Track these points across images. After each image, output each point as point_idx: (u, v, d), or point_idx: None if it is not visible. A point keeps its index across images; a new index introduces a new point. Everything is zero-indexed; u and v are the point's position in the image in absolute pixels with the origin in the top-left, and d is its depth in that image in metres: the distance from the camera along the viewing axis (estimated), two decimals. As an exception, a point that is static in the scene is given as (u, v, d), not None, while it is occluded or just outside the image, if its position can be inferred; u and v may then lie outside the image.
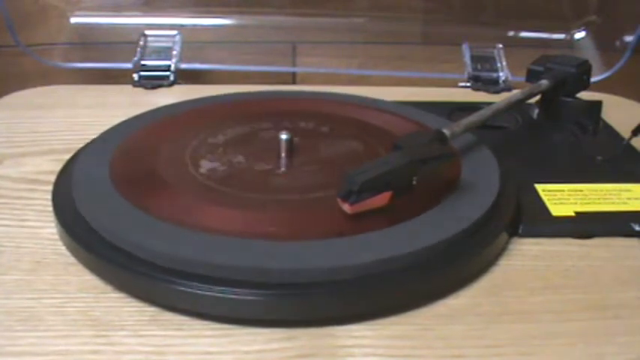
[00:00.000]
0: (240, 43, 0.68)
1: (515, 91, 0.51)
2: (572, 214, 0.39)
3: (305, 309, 0.31)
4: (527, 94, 0.48)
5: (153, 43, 0.62)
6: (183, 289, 0.31)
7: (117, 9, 0.66)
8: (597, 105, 0.50)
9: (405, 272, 0.32)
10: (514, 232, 0.38)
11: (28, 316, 0.31)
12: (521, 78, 0.54)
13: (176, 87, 0.60)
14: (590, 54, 0.65)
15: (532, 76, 0.51)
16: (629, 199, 0.41)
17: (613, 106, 0.54)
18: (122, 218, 0.35)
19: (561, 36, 0.68)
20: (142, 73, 0.60)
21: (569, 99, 0.51)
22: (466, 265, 0.34)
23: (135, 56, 0.61)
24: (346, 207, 0.34)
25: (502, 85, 0.61)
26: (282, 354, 0.29)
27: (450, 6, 0.69)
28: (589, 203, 0.40)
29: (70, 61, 0.64)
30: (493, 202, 0.37)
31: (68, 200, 0.37)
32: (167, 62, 0.61)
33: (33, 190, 0.42)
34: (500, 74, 0.62)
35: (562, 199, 0.41)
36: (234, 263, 0.31)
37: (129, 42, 0.62)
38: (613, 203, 0.40)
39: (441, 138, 0.40)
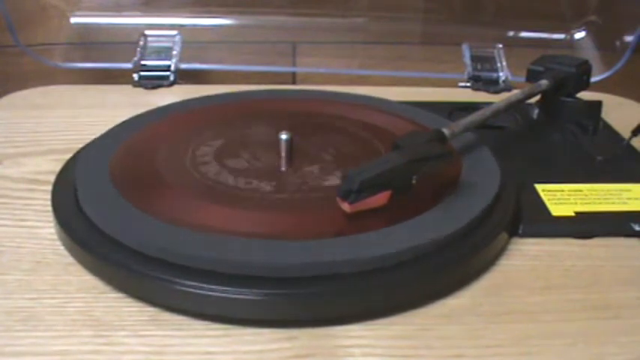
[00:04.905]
0: (240, 43, 0.68)
1: (515, 91, 0.51)
2: (572, 214, 0.39)
3: (305, 309, 0.31)
4: (527, 94, 0.48)
5: (153, 43, 0.62)
6: (183, 288, 0.31)
7: (117, 9, 0.66)
8: (597, 105, 0.50)
9: (405, 272, 0.32)
10: (514, 232, 0.38)
11: (28, 316, 0.31)
12: (521, 78, 0.54)
13: (176, 87, 0.60)
14: (590, 54, 0.65)
15: (532, 76, 0.51)
16: (629, 199, 0.41)
17: (613, 106, 0.54)
18: (122, 218, 0.34)
19: (561, 36, 0.68)
20: (142, 73, 0.60)
21: (569, 99, 0.51)
22: (466, 265, 0.34)
23: (135, 56, 0.61)
24: (345, 206, 0.34)
25: (502, 85, 0.61)
26: (282, 354, 0.29)
27: (450, 6, 0.69)
28: (589, 203, 0.40)
29: (70, 61, 0.64)
30: (493, 202, 0.37)
31: (68, 200, 0.37)
32: (167, 62, 0.61)
33: (33, 190, 0.42)
34: (500, 74, 0.62)
35: (562, 199, 0.41)
36: (234, 263, 0.31)
37: (129, 42, 0.62)
38: (613, 203, 0.40)
39: (440, 138, 0.40)
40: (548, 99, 0.51)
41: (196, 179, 0.39)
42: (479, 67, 0.62)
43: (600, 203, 0.40)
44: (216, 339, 0.30)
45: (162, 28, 0.64)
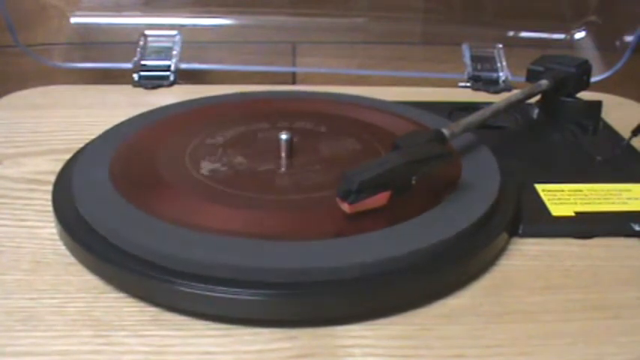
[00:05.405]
0: (240, 43, 0.68)
1: (515, 91, 0.51)
2: (572, 214, 0.39)
3: (305, 309, 0.31)
4: (527, 94, 0.48)
5: (153, 43, 0.62)
6: (183, 289, 0.31)
7: (117, 9, 0.66)
8: (597, 105, 0.50)
9: (405, 272, 0.32)
10: (514, 232, 0.38)
11: (28, 316, 0.31)
12: (521, 78, 0.54)
13: (176, 87, 0.60)
14: (590, 54, 0.65)
15: (532, 76, 0.51)
16: (629, 199, 0.41)
17: (613, 106, 0.54)
18: (122, 218, 0.34)
19: (561, 36, 0.68)
20: (142, 73, 0.60)
21: (569, 99, 0.51)
22: (466, 265, 0.34)
23: (135, 56, 0.61)
24: (345, 207, 0.34)
25: (502, 85, 0.61)
26: (282, 354, 0.29)
27: (450, 6, 0.69)
28: (589, 203, 0.40)
29: (70, 61, 0.64)
30: (493, 202, 0.37)
31: (68, 200, 0.37)
32: (167, 62, 0.61)
33: (33, 190, 0.42)
34: (500, 74, 0.62)
35: (562, 199, 0.41)
36: (234, 263, 0.31)
37: (129, 42, 0.62)
38: (613, 203, 0.40)
39: (440, 138, 0.40)
40: (548, 99, 0.51)
41: (196, 180, 0.39)
42: (479, 67, 0.62)
43: (600, 203, 0.40)
44: (216, 339, 0.30)
45: (162, 28, 0.64)
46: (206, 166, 0.41)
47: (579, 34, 0.67)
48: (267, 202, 0.37)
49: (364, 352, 0.29)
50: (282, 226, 0.35)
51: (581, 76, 0.51)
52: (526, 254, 0.37)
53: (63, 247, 0.36)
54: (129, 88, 0.59)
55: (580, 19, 0.67)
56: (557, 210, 0.39)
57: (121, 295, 0.32)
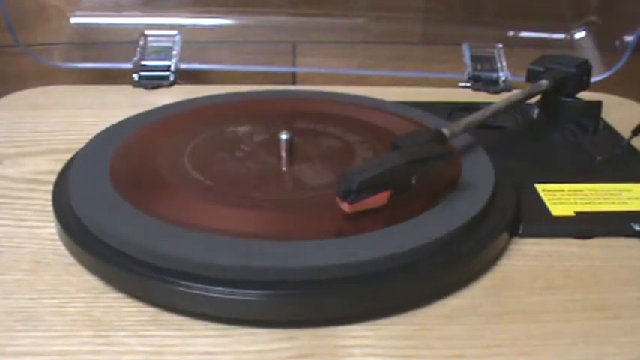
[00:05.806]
0: (240, 43, 0.68)
1: (515, 91, 0.51)
2: (572, 214, 0.39)
3: (305, 309, 0.31)
4: (527, 94, 0.48)
5: (153, 43, 0.62)
6: (183, 289, 0.31)
7: (117, 9, 0.66)
8: (597, 105, 0.50)
9: (405, 272, 0.32)
10: (514, 232, 0.38)
11: (28, 316, 0.31)
12: (521, 78, 0.54)
13: (176, 87, 0.60)
14: (590, 54, 0.65)
15: (532, 76, 0.51)
16: (629, 199, 0.41)
17: (613, 106, 0.54)
18: (121, 219, 0.34)
19: (561, 36, 0.68)
20: (142, 73, 0.60)
21: (569, 99, 0.51)
22: (466, 264, 0.34)
23: (135, 56, 0.61)
24: (345, 206, 0.34)
25: (502, 85, 0.61)
26: (282, 354, 0.29)
27: (450, 6, 0.69)
28: (589, 203, 0.40)
29: (70, 61, 0.64)
30: (493, 202, 0.37)
31: (68, 200, 0.37)
32: (167, 62, 0.61)
33: (33, 190, 0.42)
34: (500, 74, 0.62)
35: (562, 199, 0.41)
36: (234, 263, 0.31)
37: (129, 42, 0.62)
38: (613, 203, 0.40)
39: (440, 138, 0.40)
40: (548, 99, 0.51)
41: (196, 180, 0.39)
42: (479, 67, 0.62)
43: (600, 203, 0.40)
44: (216, 339, 0.30)
45: (162, 28, 0.64)
46: (205, 166, 0.40)
47: (579, 34, 0.67)
48: (267, 201, 0.37)
49: (364, 352, 0.29)
50: (282, 225, 0.35)
51: (581, 76, 0.51)
52: (526, 254, 0.37)
53: (63, 248, 0.36)
54: (129, 88, 0.59)
55: (580, 19, 0.67)
56: (557, 210, 0.39)
57: (121, 295, 0.32)
